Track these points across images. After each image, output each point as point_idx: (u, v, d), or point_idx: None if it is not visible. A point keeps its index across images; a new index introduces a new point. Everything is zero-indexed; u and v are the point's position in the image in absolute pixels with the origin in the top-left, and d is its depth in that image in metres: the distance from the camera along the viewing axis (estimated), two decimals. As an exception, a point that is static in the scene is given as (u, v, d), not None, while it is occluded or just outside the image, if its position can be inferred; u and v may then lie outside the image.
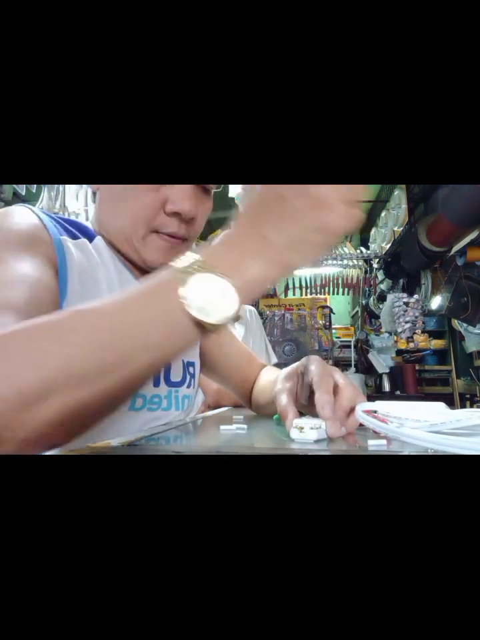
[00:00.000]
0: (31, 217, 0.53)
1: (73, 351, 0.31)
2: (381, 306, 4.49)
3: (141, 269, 0.63)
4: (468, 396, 4.19)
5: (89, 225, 0.64)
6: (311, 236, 0.34)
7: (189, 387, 0.70)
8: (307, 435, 0.41)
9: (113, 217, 0.60)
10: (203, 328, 0.33)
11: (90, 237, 0.60)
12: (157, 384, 0.63)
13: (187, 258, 0.34)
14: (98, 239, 0.60)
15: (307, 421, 0.42)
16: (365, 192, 0.37)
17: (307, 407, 0.52)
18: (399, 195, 3.64)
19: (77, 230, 0.59)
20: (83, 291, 0.54)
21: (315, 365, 0.49)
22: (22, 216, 0.52)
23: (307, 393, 0.51)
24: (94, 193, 0.67)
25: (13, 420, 0.28)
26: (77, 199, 2.22)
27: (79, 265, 0.54)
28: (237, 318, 0.35)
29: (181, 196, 0.56)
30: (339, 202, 0.34)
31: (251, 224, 0.35)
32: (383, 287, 4.60)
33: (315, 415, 0.44)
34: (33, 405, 0.29)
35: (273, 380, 0.62)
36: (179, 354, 0.36)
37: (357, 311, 5.37)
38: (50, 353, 0.30)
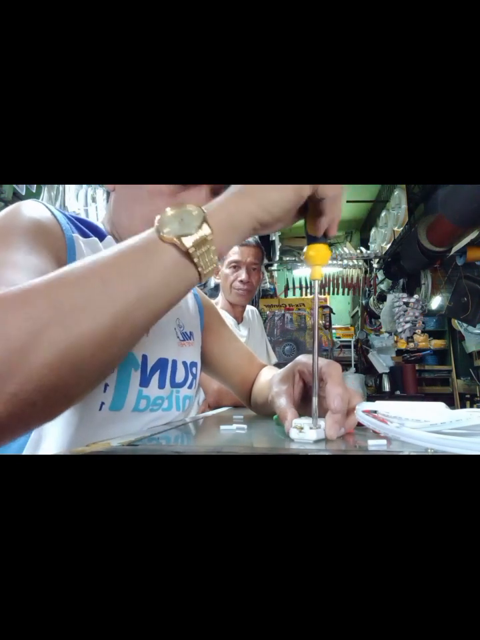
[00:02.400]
0: (45, 211, 0.53)
1: (59, 290, 0.32)
2: (381, 306, 4.48)
3: None
4: (468, 396, 4.19)
5: (99, 224, 0.64)
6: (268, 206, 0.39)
7: (190, 387, 0.70)
8: (306, 435, 0.41)
9: (129, 218, 0.60)
10: (187, 261, 0.35)
11: (100, 236, 0.60)
12: (162, 385, 0.63)
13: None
14: (108, 239, 0.60)
15: (306, 421, 0.42)
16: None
17: (303, 407, 0.51)
18: (399, 195, 3.64)
19: (87, 228, 0.59)
20: None
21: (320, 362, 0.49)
22: (36, 209, 0.52)
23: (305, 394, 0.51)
24: (108, 193, 0.67)
25: (2, 372, 0.28)
26: (77, 199, 2.23)
27: None
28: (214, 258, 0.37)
29: (196, 202, 0.56)
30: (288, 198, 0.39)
31: (219, 199, 0.40)
32: (383, 287, 4.60)
33: (310, 415, 0.44)
34: (24, 350, 0.29)
35: (270, 380, 0.62)
36: (170, 296, 0.36)
37: (357, 311, 5.37)
38: (38, 298, 0.31)
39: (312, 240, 0.44)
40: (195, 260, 0.35)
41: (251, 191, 0.39)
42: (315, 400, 0.44)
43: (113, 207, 0.64)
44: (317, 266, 0.45)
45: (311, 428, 0.41)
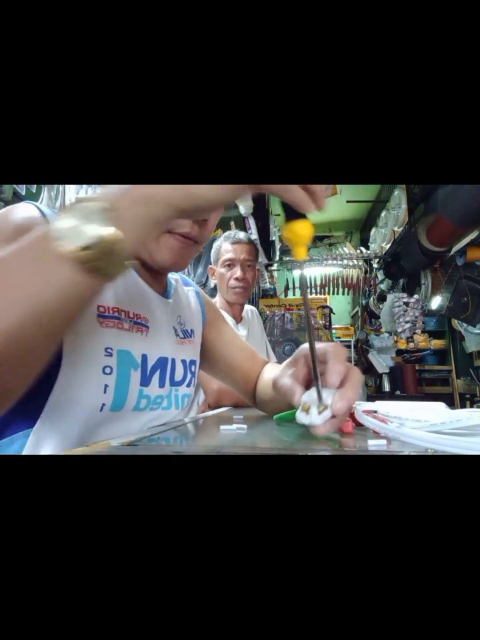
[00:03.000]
0: (36, 212, 0.53)
1: None
2: (381, 306, 4.49)
3: (146, 268, 0.63)
4: (468, 396, 4.20)
5: None
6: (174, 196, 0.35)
7: (188, 385, 0.70)
8: (312, 419, 0.41)
9: None
10: (89, 271, 0.32)
11: None
12: (162, 384, 0.63)
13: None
14: None
15: (314, 398, 0.42)
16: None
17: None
18: (399, 195, 3.64)
19: None
20: None
21: (322, 344, 0.49)
22: (27, 211, 0.52)
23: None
24: None
25: None
26: (77, 199, 2.22)
27: None
28: (125, 255, 0.33)
29: None
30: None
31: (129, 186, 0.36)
32: (382, 287, 4.60)
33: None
34: None
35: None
36: (70, 310, 0.33)
37: (357, 311, 5.37)
38: None
39: (289, 217, 0.40)
40: (100, 269, 0.32)
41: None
42: (318, 383, 0.43)
43: None
44: (300, 245, 0.40)
45: (318, 412, 0.41)
